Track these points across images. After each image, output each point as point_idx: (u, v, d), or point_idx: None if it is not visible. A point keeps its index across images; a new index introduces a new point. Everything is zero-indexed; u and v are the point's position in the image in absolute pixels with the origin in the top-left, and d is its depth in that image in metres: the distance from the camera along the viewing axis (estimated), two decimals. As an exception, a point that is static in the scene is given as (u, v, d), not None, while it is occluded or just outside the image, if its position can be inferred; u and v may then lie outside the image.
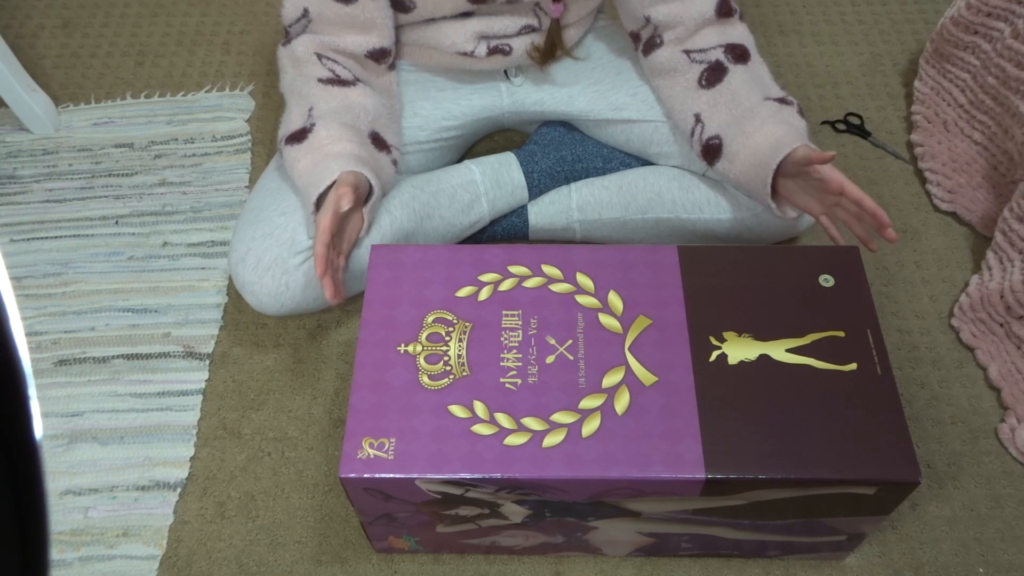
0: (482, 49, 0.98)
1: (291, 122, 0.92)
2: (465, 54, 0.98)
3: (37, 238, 1.11)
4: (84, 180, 1.16)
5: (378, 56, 0.94)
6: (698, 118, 0.94)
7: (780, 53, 1.30)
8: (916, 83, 1.21)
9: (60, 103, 1.25)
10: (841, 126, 1.21)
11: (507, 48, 0.98)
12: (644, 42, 0.98)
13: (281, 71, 0.96)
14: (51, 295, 1.05)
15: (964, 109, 1.14)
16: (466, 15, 0.94)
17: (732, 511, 0.74)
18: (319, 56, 0.92)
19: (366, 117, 0.92)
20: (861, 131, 1.20)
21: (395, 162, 0.95)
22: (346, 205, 0.80)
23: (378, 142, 0.93)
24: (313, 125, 0.89)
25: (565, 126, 1.09)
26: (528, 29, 0.98)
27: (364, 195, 0.88)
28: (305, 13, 0.91)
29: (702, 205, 0.98)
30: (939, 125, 1.17)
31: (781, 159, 0.85)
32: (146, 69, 1.30)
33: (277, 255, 0.90)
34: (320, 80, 0.91)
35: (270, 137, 1.21)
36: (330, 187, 0.85)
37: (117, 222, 1.12)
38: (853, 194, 0.82)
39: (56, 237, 1.11)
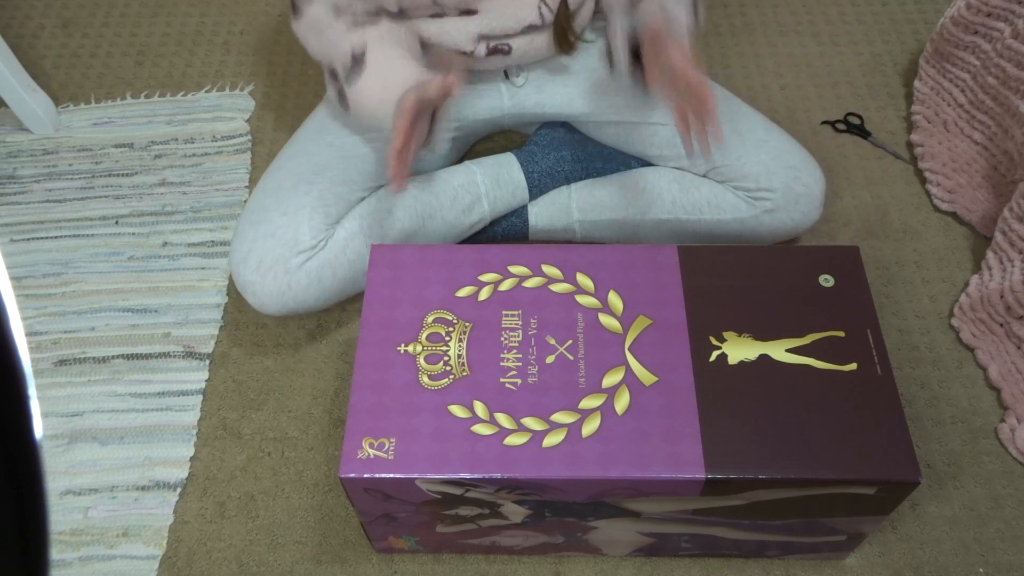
0: (481, 49, 0.98)
1: (340, 63, 0.91)
2: (464, 53, 0.98)
3: (37, 238, 1.11)
4: (84, 180, 1.16)
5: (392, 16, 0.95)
6: None
7: (780, 53, 1.30)
8: (916, 83, 1.21)
9: (60, 103, 1.25)
10: (841, 126, 1.21)
11: (506, 48, 0.98)
12: None
13: (305, 43, 0.95)
14: (51, 295, 1.05)
15: (964, 109, 1.14)
16: (470, 12, 0.94)
17: (732, 511, 0.74)
18: (336, 11, 0.91)
19: (405, 41, 0.93)
20: (861, 131, 1.20)
21: None
22: (456, 90, 0.79)
23: None
24: (363, 53, 0.89)
25: (565, 126, 1.09)
26: (530, 28, 0.97)
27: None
28: None
29: (702, 206, 0.98)
30: (939, 125, 1.17)
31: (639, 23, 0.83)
32: (146, 69, 1.30)
33: (279, 255, 0.90)
34: (350, 26, 0.91)
35: (270, 137, 1.21)
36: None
37: (117, 222, 1.12)
38: (693, 82, 0.78)
39: (56, 237, 1.11)
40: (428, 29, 0.97)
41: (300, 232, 0.90)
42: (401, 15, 0.94)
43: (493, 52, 0.98)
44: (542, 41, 0.99)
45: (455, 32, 0.96)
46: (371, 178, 0.97)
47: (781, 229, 0.97)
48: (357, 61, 0.90)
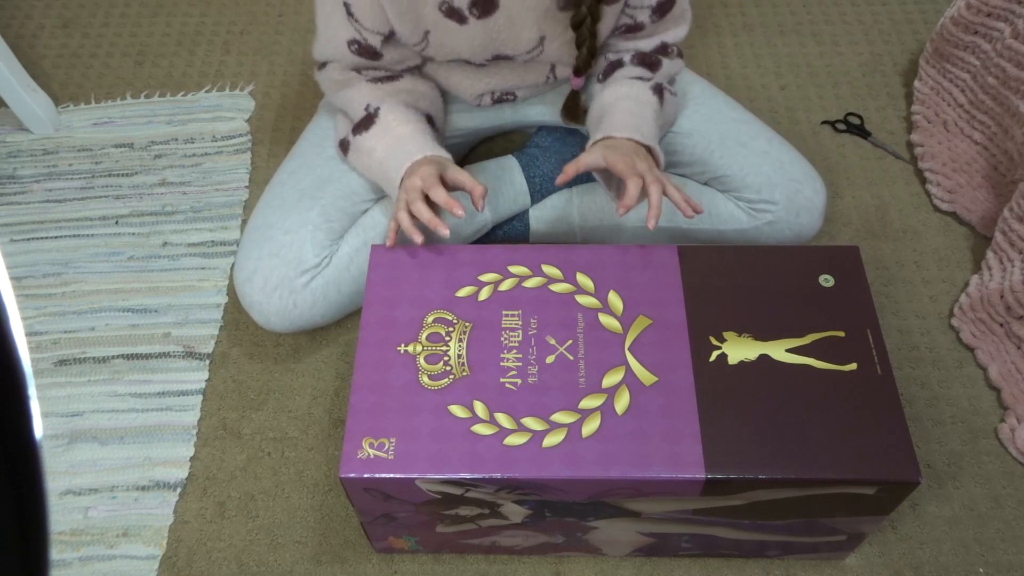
0: (487, 100, 1.01)
1: (352, 116, 0.93)
2: (472, 104, 1.01)
3: (37, 238, 1.11)
4: (84, 180, 1.16)
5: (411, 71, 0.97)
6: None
7: (780, 53, 1.30)
8: (916, 83, 1.21)
9: (60, 103, 1.25)
10: (841, 126, 1.21)
11: (511, 97, 1.01)
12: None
13: (326, 92, 0.97)
14: (51, 295, 1.05)
15: (964, 109, 1.14)
16: (480, 66, 0.95)
17: (732, 511, 0.74)
18: (358, 70, 0.93)
19: (424, 99, 0.95)
20: (861, 131, 1.20)
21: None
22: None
23: (432, 123, 0.95)
24: (378, 109, 0.91)
25: (565, 128, 1.09)
26: (536, 84, 1.00)
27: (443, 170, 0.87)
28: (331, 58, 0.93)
29: (703, 216, 0.98)
30: (939, 125, 1.17)
31: (599, 138, 0.88)
32: (146, 69, 1.30)
33: (284, 275, 0.90)
34: (369, 81, 0.93)
35: (270, 137, 1.21)
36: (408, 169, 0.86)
37: (117, 222, 1.12)
38: (653, 197, 0.81)
39: (56, 237, 1.11)
40: (437, 75, 0.98)
41: (304, 251, 0.90)
42: (424, 62, 0.96)
43: (498, 101, 1.01)
44: (547, 86, 1.01)
45: (463, 89, 0.99)
46: (373, 189, 0.97)
47: (781, 240, 0.97)
48: (369, 117, 0.91)
